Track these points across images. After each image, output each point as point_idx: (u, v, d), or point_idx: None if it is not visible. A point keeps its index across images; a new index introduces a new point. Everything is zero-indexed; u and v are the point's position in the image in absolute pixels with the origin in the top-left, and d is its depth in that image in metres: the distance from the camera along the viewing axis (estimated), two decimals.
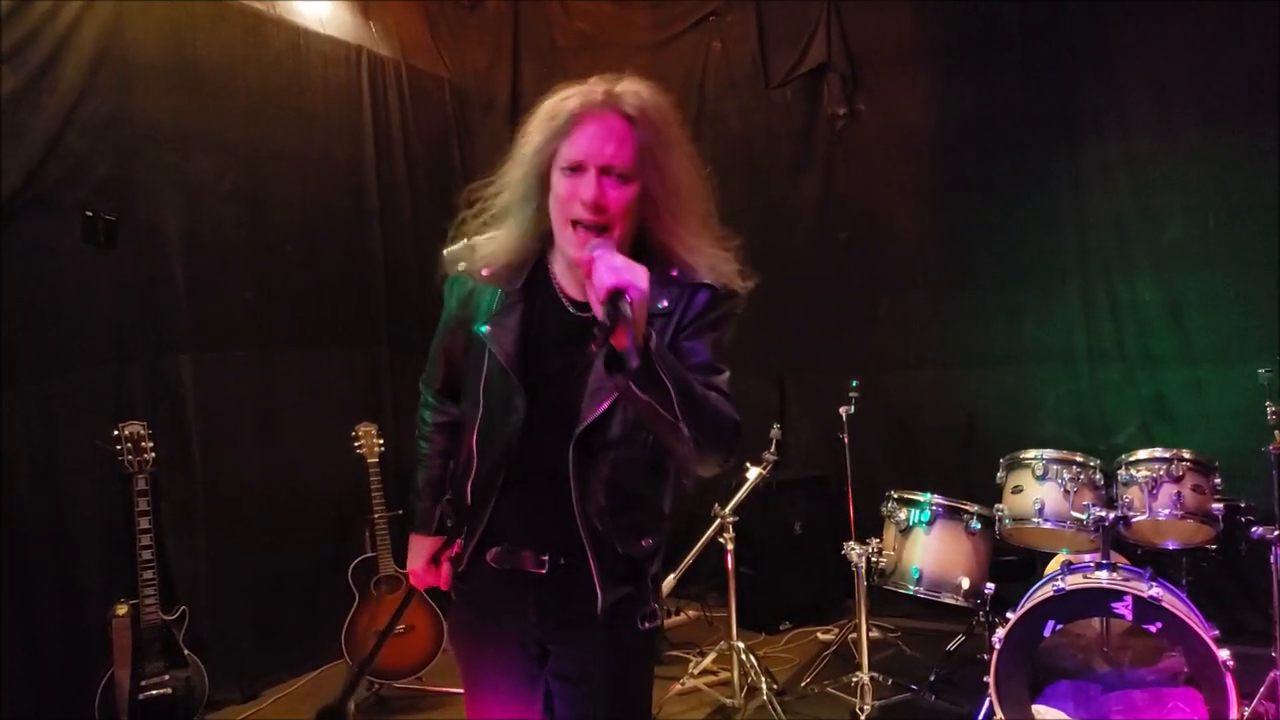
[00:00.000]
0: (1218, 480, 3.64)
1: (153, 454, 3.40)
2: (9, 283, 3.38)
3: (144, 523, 3.31)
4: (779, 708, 3.64)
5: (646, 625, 1.73)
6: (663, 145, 1.63)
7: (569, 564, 1.67)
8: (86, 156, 3.60)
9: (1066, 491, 3.68)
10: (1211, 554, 3.87)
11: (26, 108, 3.42)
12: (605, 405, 1.63)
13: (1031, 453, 3.83)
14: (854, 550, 3.58)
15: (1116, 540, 3.55)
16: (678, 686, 3.89)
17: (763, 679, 3.77)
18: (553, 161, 1.63)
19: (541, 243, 1.73)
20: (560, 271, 1.73)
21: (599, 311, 1.43)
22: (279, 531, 4.25)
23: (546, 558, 1.69)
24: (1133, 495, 3.63)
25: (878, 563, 3.75)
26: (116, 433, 3.36)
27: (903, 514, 3.91)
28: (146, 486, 3.35)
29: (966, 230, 5.01)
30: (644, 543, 1.72)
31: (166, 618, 3.37)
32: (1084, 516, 3.27)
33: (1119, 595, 2.86)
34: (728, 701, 3.79)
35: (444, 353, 1.90)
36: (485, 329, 1.72)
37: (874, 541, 3.72)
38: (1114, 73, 4.67)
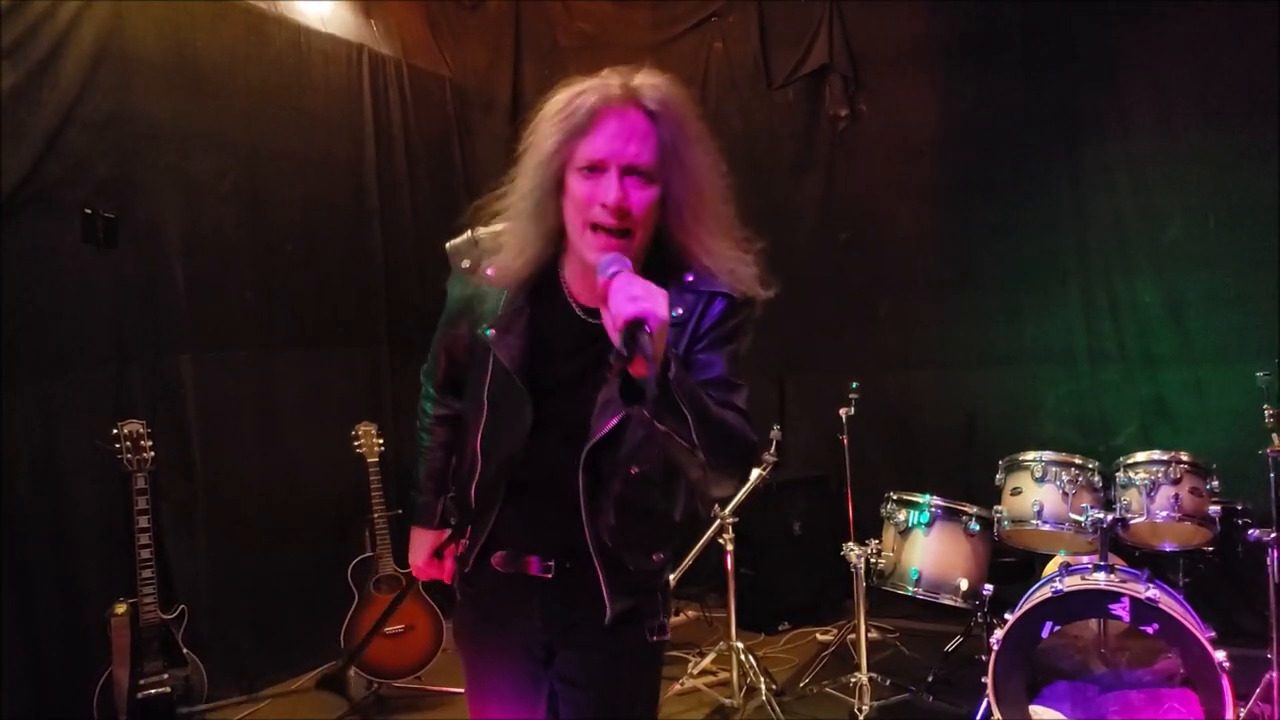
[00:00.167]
0: (1215, 483, 3.64)
1: (152, 454, 3.40)
2: (9, 283, 3.38)
3: (143, 522, 3.32)
4: (778, 708, 3.65)
5: (655, 638, 1.71)
6: (685, 141, 1.55)
7: (574, 568, 1.64)
8: (86, 155, 3.60)
9: (1065, 493, 3.68)
10: (1209, 556, 3.87)
11: (26, 105, 3.42)
12: (614, 421, 1.57)
13: (1030, 455, 3.83)
14: (853, 551, 3.58)
15: (1114, 542, 3.56)
16: (677, 686, 3.90)
17: (762, 679, 3.77)
18: (569, 162, 1.53)
19: (553, 244, 1.63)
20: (571, 275, 1.65)
21: (615, 338, 1.35)
22: (279, 531, 4.25)
23: (552, 563, 1.66)
24: (1131, 497, 3.63)
25: (877, 564, 3.76)
26: (116, 432, 3.37)
27: (902, 515, 3.91)
28: (146, 486, 3.36)
29: (967, 230, 5.01)
30: (655, 557, 1.69)
31: (165, 617, 3.37)
32: (1082, 518, 3.28)
33: (1116, 597, 2.86)
34: (727, 702, 3.79)
35: (445, 348, 1.84)
36: (490, 333, 1.64)
37: (873, 542, 3.72)
38: (1114, 73, 4.67)
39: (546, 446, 1.61)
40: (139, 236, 3.79)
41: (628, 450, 1.59)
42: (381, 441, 4.04)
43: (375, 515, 3.93)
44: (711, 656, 3.97)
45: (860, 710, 3.55)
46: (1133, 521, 3.61)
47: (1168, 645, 3.14)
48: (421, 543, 1.92)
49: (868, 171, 5.27)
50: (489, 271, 1.65)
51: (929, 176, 5.12)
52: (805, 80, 5.32)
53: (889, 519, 3.97)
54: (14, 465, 3.39)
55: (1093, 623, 3.46)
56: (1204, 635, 2.77)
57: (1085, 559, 3.27)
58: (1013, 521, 3.78)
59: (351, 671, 3.82)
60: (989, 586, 3.64)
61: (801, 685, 3.99)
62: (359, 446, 4.01)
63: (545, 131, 1.54)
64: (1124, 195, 4.67)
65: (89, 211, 3.59)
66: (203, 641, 3.60)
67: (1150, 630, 2.85)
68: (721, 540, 3.79)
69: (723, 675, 3.94)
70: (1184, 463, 3.61)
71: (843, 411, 4.27)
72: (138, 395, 3.76)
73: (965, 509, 3.84)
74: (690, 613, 4.95)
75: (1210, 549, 3.80)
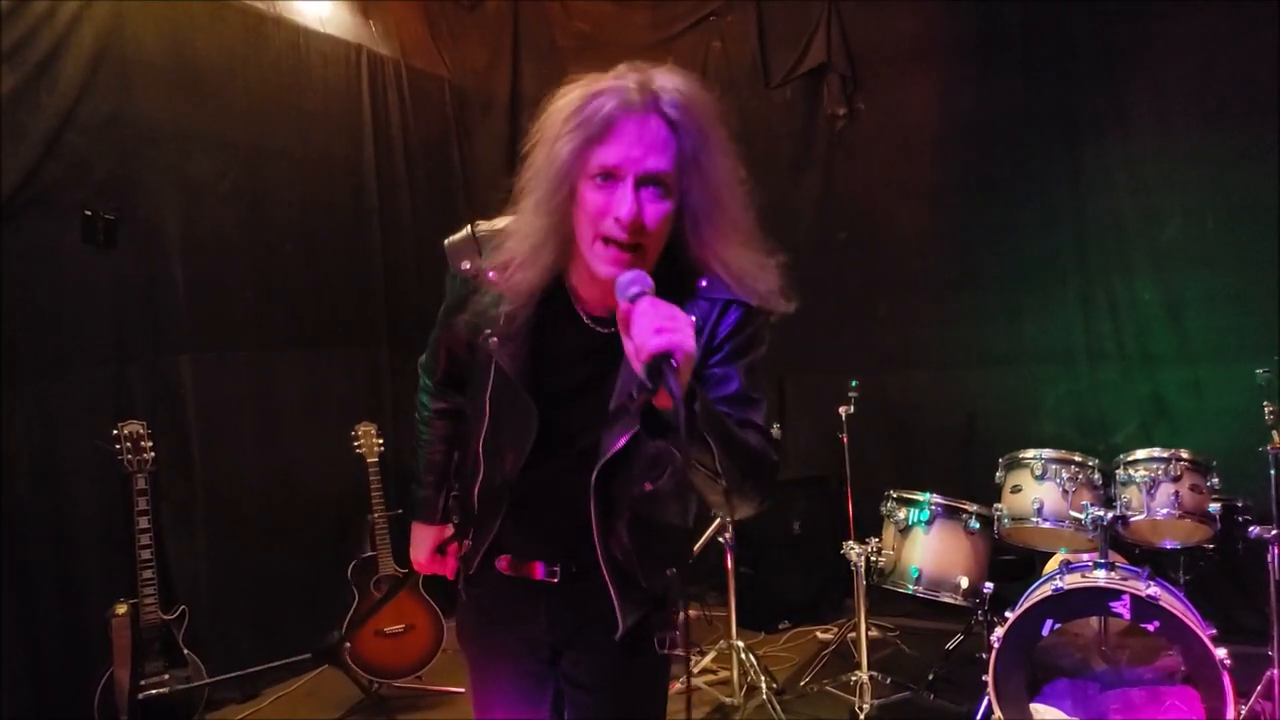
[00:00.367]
0: (1215, 480, 3.64)
1: (152, 454, 3.40)
2: (9, 283, 3.38)
3: (143, 522, 3.32)
4: (778, 707, 3.65)
5: (665, 651, 1.69)
6: (706, 150, 1.45)
7: (582, 575, 1.61)
8: (86, 156, 3.61)
9: (1065, 491, 3.68)
10: (1209, 553, 3.87)
11: (26, 107, 3.42)
12: (626, 439, 1.50)
13: (1030, 452, 3.83)
14: (853, 550, 3.59)
15: (1115, 539, 3.56)
16: (677, 685, 3.89)
17: (762, 678, 3.77)
18: (583, 169, 1.43)
19: (564, 254, 1.53)
20: (579, 281, 1.57)
21: (638, 368, 1.27)
22: (279, 531, 4.25)
23: (558, 568, 1.63)
24: (1131, 495, 3.63)
25: (877, 562, 3.76)
26: (116, 433, 3.37)
27: (902, 513, 3.91)
28: (146, 486, 3.36)
29: (966, 230, 5.00)
30: (669, 572, 1.65)
31: (166, 617, 3.37)
32: (1082, 516, 3.27)
33: (1117, 594, 2.86)
34: (727, 700, 3.79)
35: (446, 345, 1.79)
36: (493, 340, 1.57)
37: (873, 541, 3.72)
38: (1114, 73, 4.66)
39: (552, 458, 1.57)
40: (139, 237, 3.79)
41: (640, 467, 1.53)
42: (381, 441, 4.04)
43: (375, 515, 3.93)
44: (712, 655, 3.97)
45: (861, 709, 3.55)
46: (1133, 519, 3.60)
47: (1168, 643, 3.15)
48: (423, 538, 1.89)
49: (866, 171, 5.27)
50: (491, 274, 1.57)
51: (928, 176, 5.11)
52: (803, 79, 5.32)
53: (889, 517, 3.97)
54: (14, 465, 3.40)
55: (1093, 620, 3.47)
56: (1205, 632, 2.77)
57: (1085, 556, 3.27)
58: (1013, 519, 3.77)
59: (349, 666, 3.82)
60: (989, 584, 3.64)
61: (802, 684, 3.99)
62: (359, 446, 4.01)
63: (558, 132, 1.44)
64: (1123, 195, 4.67)
65: (89, 212, 3.60)
66: (202, 641, 3.59)
67: (1151, 628, 2.85)
68: (722, 539, 3.79)
69: (723, 674, 3.94)
70: (1184, 460, 3.61)
71: (842, 410, 4.26)
72: (138, 395, 3.76)
73: (965, 507, 3.84)
74: (691, 612, 4.95)
75: (1211, 546, 3.79)
